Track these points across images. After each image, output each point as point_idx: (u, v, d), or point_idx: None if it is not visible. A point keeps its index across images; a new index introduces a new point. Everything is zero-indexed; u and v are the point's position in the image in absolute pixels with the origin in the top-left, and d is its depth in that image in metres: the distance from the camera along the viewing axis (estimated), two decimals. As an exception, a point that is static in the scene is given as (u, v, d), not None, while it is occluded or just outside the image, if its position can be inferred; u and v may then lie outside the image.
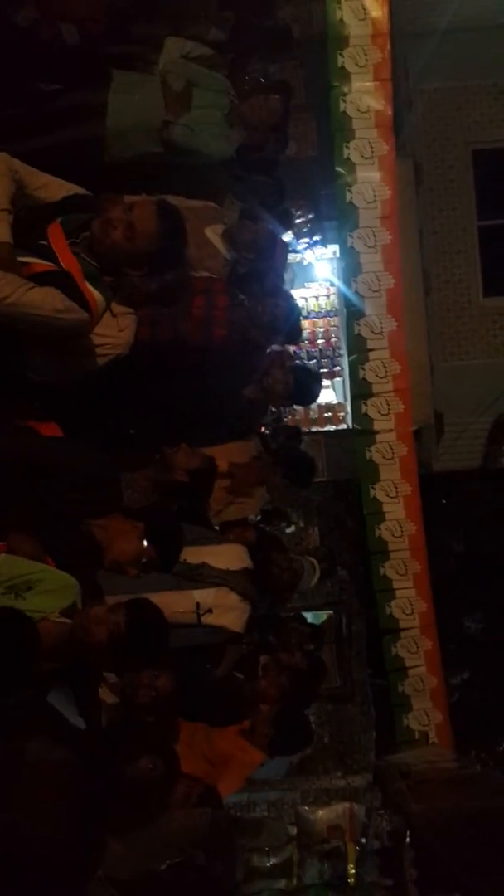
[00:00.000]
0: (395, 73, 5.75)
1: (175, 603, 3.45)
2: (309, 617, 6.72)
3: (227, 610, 3.76)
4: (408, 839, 4.29)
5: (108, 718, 3.03)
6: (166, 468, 3.45)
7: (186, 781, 3.22)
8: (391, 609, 6.22)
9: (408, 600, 6.17)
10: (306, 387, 4.44)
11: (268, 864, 4.59)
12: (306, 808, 5.06)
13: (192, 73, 3.91)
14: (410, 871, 4.14)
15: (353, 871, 4.49)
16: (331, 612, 7.91)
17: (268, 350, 4.35)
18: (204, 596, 3.69)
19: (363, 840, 4.60)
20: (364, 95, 5.15)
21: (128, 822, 2.84)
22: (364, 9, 5.00)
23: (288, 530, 7.76)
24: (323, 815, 4.95)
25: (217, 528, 4.15)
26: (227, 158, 4.11)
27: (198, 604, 3.66)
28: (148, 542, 3.06)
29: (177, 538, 3.32)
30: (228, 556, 3.93)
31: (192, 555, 3.67)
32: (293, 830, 4.93)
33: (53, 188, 2.97)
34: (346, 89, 5.15)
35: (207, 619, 3.68)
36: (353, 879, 4.48)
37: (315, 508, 7.91)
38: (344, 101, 5.17)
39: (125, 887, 2.86)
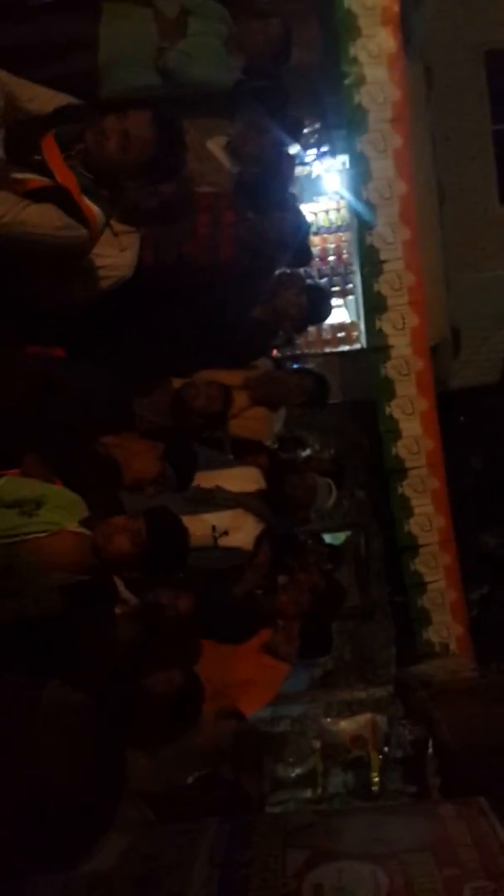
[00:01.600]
0: (402, -35, 5.42)
1: (191, 527, 3.45)
2: (327, 538, 6.75)
3: (242, 531, 3.76)
4: (430, 747, 4.37)
5: (125, 638, 3.06)
6: (183, 407, 3.44)
7: (212, 697, 3.27)
8: (409, 526, 6.22)
9: (426, 517, 6.16)
10: (318, 306, 4.34)
11: (292, 775, 4.71)
12: (329, 720, 5.17)
13: (187, 1, 3.68)
14: (434, 779, 4.23)
15: (376, 780, 4.60)
16: (349, 532, 7.95)
17: (277, 267, 4.24)
18: (219, 519, 3.69)
19: (386, 749, 4.71)
20: (369, -10, 4.88)
21: (154, 737, 2.90)
22: None
23: (304, 454, 7.74)
24: (346, 725, 5.05)
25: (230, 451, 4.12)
26: (229, 88, 3.89)
27: (213, 527, 3.66)
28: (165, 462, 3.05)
29: (191, 458, 3.31)
30: (242, 479, 3.91)
31: (206, 479, 3.67)
32: (317, 744, 5.04)
33: (44, 99, 2.85)
34: (350, -16, 4.87)
35: (224, 542, 3.68)
36: (377, 787, 4.60)
37: (331, 430, 7.86)
38: (348, -4, 4.90)
39: (155, 800, 2.94)
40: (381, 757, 4.66)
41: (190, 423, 3.66)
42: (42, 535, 2.69)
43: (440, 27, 7.65)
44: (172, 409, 3.61)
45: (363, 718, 5.05)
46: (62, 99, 2.87)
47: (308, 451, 7.80)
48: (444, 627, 6.15)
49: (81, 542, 2.71)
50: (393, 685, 5.81)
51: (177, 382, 3.77)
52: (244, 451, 4.11)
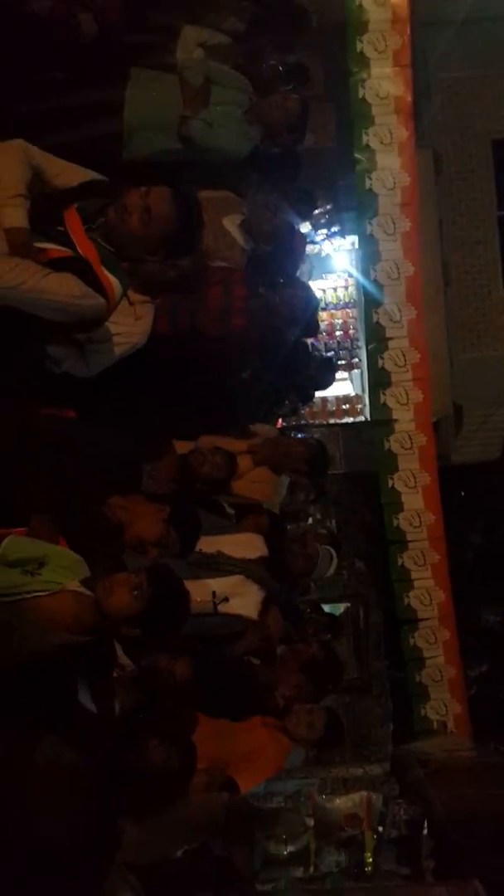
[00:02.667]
0: (414, 62, 5.70)
1: (192, 592, 3.46)
2: (326, 609, 6.72)
3: (243, 598, 3.76)
4: (425, 828, 4.28)
5: (121, 705, 3.05)
6: (189, 473, 3.50)
7: (206, 769, 3.22)
8: (409, 599, 6.20)
9: (426, 590, 6.15)
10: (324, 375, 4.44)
11: (285, 853, 4.59)
12: (323, 797, 5.06)
13: (211, 70, 3.90)
14: (428, 861, 4.13)
15: (370, 860, 4.49)
16: (348, 603, 7.90)
17: (287, 340, 4.35)
18: (220, 585, 3.70)
19: (380, 829, 4.60)
20: (383, 81, 5.11)
21: (145, 809, 2.86)
22: (383, -8, 4.95)
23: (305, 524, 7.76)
24: (340, 803, 4.95)
25: (232, 512, 4.15)
26: (246, 155, 4.10)
27: (214, 592, 3.67)
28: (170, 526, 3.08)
29: (195, 524, 3.34)
30: (244, 545, 3.93)
31: (208, 544, 3.68)
32: (310, 821, 4.93)
33: (70, 174, 2.97)
34: (365, 75, 5.12)
35: (224, 608, 3.68)
36: (370, 868, 4.48)
37: (332, 500, 7.90)
38: (363, 87, 5.13)
39: (143, 873, 2.88)
40: (375, 836, 4.56)
41: (194, 488, 3.71)
42: (43, 594, 2.71)
43: (450, 117, 8.01)
44: (177, 474, 3.66)
45: (358, 796, 4.94)
46: (86, 175, 2.99)
47: (309, 521, 7.83)
48: (443, 705, 6.08)
49: (82, 602, 2.72)
50: (389, 763, 5.70)
51: (181, 446, 3.83)
52: (245, 511, 4.14)
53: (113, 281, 2.87)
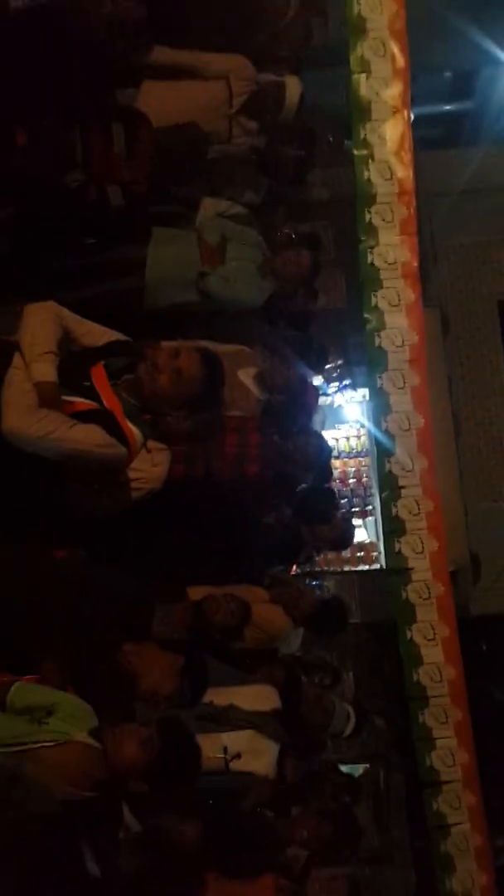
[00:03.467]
0: (421, 229, 6.09)
1: (203, 747, 3.36)
2: (345, 769, 6.41)
3: (256, 754, 3.64)
4: None
5: (127, 867, 2.89)
6: (202, 620, 3.49)
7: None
8: (431, 760, 5.90)
9: (449, 750, 5.85)
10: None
11: None
12: None
13: (227, 229, 4.23)
14: None
15: None
16: (367, 764, 7.54)
17: (299, 486, 4.42)
18: (232, 739, 3.59)
19: None
20: (391, 248, 5.43)
21: None
22: (390, 169, 5.36)
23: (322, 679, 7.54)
24: None
25: (246, 661, 4.07)
26: (260, 307, 4.37)
27: (225, 748, 3.55)
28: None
29: (204, 675, 3.29)
30: (257, 697, 3.85)
31: (220, 696, 3.61)
32: None
33: (97, 334, 3.17)
34: (373, 243, 5.44)
35: (235, 766, 3.56)
36: None
37: (350, 652, 7.71)
38: (371, 253, 5.45)
39: None
40: None
41: (207, 636, 3.68)
42: (50, 744, 2.65)
43: (456, 279, 8.46)
44: (190, 621, 3.63)
45: None
46: (112, 335, 3.19)
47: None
48: (469, 876, 5.65)
49: (90, 755, 2.65)
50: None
51: (195, 592, 3.82)
52: (259, 661, 4.06)
53: (135, 432, 3.01)
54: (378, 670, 7.66)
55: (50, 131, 3.61)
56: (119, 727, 2.63)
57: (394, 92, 5.27)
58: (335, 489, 4.99)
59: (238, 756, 3.60)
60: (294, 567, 5.76)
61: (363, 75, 5.24)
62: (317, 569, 7.56)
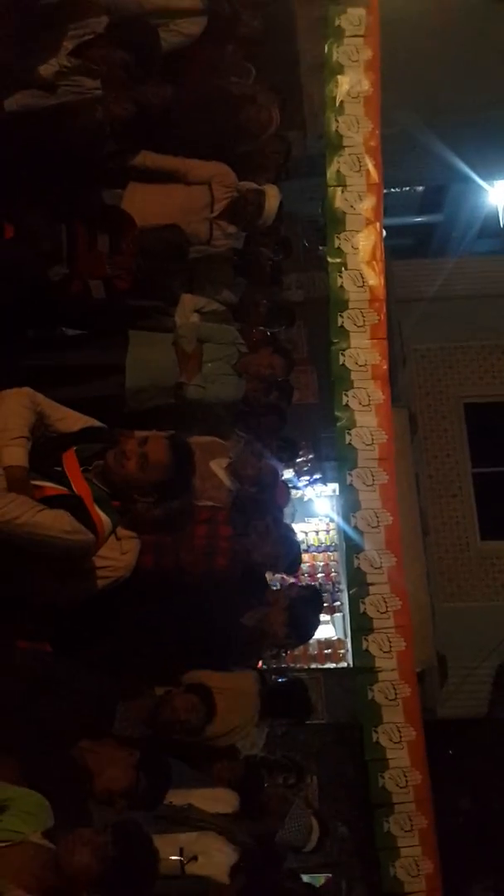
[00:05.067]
0: (390, 334, 6.32)
1: (160, 846, 3.23)
2: (305, 879, 6.14)
3: (212, 858, 3.49)
4: None
5: None
6: (164, 717, 3.42)
7: None
8: (395, 870, 5.71)
9: (413, 860, 5.68)
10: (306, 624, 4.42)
11: None
12: None
13: (203, 332, 4.37)
14: None
15: None
16: (329, 874, 7.23)
17: (267, 580, 4.40)
18: (190, 840, 3.45)
19: None
20: (362, 351, 5.64)
21: None
22: (362, 277, 5.62)
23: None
24: None
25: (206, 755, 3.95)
26: (235, 402, 4.47)
27: (181, 849, 3.41)
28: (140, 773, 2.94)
29: (166, 774, 3.18)
30: (217, 799, 3.73)
31: (179, 796, 3.49)
32: None
33: (71, 420, 3.19)
34: (345, 345, 5.66)
35: (192, 869, 3.41)
36: None
37: (314, 754, 7.50)
38: (343, 355, 5.66)
39: None
40: None
41: (169, 734, 3.59)
42: (3, 844, 2.53)
43: (423, 381, 8.73)
44: (151, 717, 3.55)
45: None
46: (86, 421, 3.21)
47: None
48: None
49: (42, 857, 2.53)
50: None
51: (160, 689, 3.73)
52: (218, 758, 3.94)
53: (104, 518, 3.00)
54: (342, 774, 7.45)
55: (37, 226, 3.73)
56: (72, 833, 2.52)
57: (367, 205, 5.59)
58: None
59: (195, 858, 3.45)
60: (260, 662, 5.66)
61: (339, 189, 5.56)
62: (283, 665, 7.43)
